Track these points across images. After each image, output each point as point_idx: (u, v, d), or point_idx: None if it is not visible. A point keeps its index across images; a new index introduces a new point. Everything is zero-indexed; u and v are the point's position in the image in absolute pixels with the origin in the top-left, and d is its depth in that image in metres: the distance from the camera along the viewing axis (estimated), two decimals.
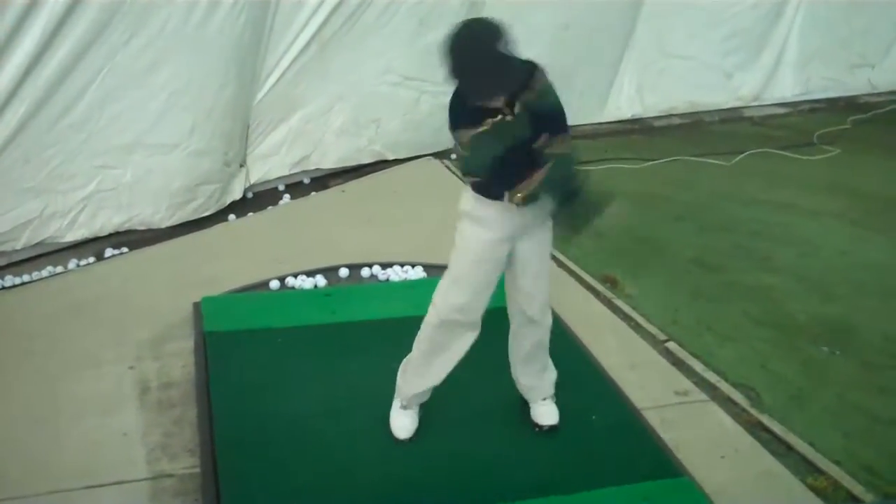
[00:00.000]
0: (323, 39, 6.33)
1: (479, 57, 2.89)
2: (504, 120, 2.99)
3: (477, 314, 3.34)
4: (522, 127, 3.01)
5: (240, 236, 5.72)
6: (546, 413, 3.65)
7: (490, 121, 2.98)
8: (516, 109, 3.00)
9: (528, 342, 3.51)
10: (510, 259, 3.33)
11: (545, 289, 3.45)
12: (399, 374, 3.53)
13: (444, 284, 3.37)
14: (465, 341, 3.40)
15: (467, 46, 2.90)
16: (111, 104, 5.30)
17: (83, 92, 5.17)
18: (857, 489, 3.48)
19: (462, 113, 3.03)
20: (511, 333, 3.54)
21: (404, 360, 3.51)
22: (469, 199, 3.27)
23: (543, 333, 3.51)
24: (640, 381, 4.10)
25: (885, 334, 4.78)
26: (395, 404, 3.57)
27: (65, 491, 3.27)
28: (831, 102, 9.92)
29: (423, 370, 3.45)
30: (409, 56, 6.81)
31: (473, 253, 3.29)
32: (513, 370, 3.65)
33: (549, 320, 3.51)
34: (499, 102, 2.96)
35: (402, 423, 3.54)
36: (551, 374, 3.67)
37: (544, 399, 3.67)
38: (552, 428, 3.63)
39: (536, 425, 3.66)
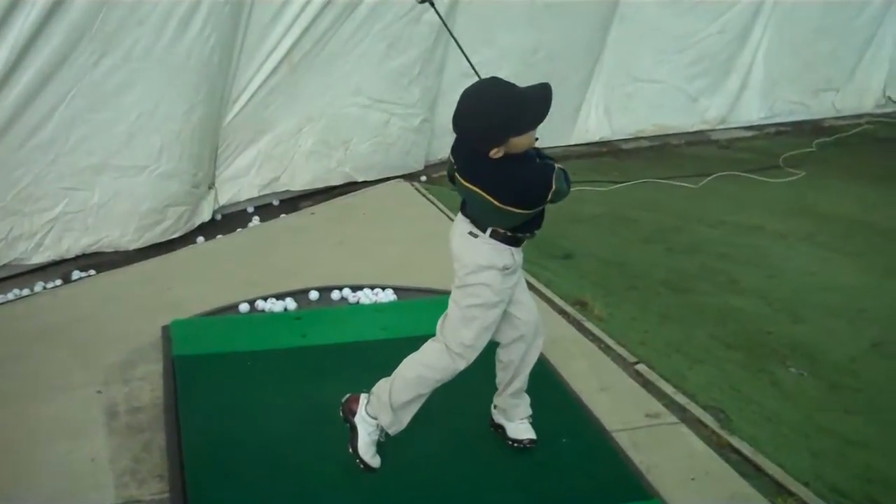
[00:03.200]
0: (292, 62, 6.33)
1: (517, 91, 3.02)
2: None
3: None
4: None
5: (209, 259, 5.69)
6: (526, 429, 3.64)
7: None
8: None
9: (532, 357, 3.52)
10: None
11: None
12: (381, 409, 3.37)
13: (467, 333, 3.29)
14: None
15: (503, 87, 3.04)
16: (79, 126, 5.27)
17: (51, 113, 5.13)
18: None
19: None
20: (508, 361, 3.50)
21: (384, 398, 3.35)
22: (488, 254, 3.21)
23: (540, 344, 3.55)
24: (610, 403, 4.10)
25: (852, 356, 4.82)
26: (372, 437, 3.42)
27: None
28: (796, 126, 10.08)
29: (414, 406, 3.37)
30: (378, 79, 6.85)
31: (499, 299, 3.28)
32: (498, 396, 3.65)
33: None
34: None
35: (375, 451, 3.48)
36: (527, 397, 3.66)
37: (522, 419, 3.65)
38: (532, 442, 3.61)
39: (516, 441, 3.63)
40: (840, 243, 6.54)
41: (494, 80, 3.07)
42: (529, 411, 3.66)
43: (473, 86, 3.07)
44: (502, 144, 3.00)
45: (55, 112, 5.14)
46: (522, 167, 3.10)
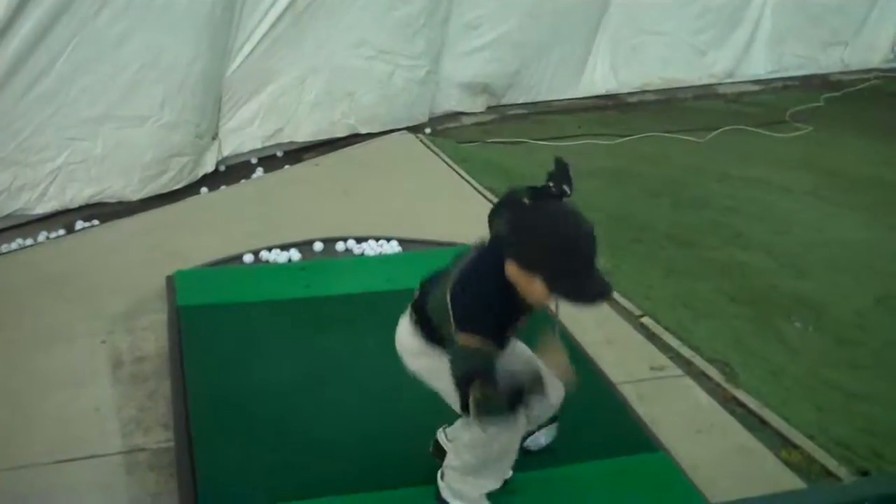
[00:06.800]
0: (297, 11, 6.27)
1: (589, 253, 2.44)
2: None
3: None
4: None
5: (212, 209, 5.67)
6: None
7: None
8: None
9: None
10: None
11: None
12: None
13: None
14: None
15: (580, 237, 2.44)
16: (81, 76, 5.22)
17: (52, 64, 5.08)
18: (831, 463, 3.50)
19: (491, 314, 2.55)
20: None
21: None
22: (418, 339, 2.82)
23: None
24: (615, 356, 4.10)
25: (857, 310, 4.81)
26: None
27: (35, 465, 3.22)
28: (804, 80, 10.01)
29: None
30: (383, 30, 6.79)
31: None
32: None
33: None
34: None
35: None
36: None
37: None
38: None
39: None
40: (846, 198, 6.51)
41: (577, 218, 2.47)
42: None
43: (560, 207, 2.61)
44: (524, 271, 2.45)
45: (56, 63, 5.09)
46: (483, 289, 2.55)
